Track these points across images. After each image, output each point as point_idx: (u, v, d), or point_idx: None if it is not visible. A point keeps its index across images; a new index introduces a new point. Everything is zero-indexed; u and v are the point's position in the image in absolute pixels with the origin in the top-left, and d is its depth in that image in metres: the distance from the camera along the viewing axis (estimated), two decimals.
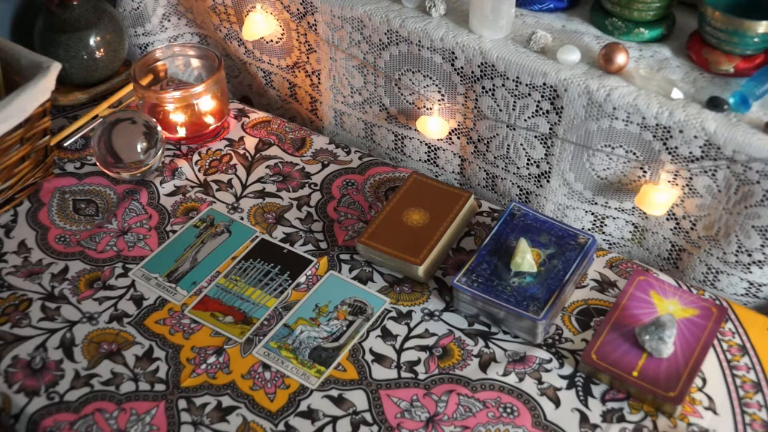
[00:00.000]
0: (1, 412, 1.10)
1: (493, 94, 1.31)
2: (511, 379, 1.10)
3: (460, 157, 1.45)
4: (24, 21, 1.61)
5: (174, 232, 1.32)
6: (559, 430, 1.04)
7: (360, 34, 1.40)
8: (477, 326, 1.17)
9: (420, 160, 1.50)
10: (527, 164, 1.35)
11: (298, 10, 1.46)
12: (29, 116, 1.27)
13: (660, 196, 1.21)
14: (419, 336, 1.16)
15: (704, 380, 1.09)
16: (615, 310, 1.15)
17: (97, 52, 1.53)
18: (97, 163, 1.39)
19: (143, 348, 1.15)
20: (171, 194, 1.39)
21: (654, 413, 1.06)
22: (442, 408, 1.07)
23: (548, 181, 1.33)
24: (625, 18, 1.27)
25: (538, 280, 1.16)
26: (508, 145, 1.35)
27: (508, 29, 1.31)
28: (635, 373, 1.07)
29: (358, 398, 1.09)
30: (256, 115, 1.54)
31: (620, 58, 1.21)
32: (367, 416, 1.07)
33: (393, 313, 1.19)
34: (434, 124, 1.39)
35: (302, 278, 1.24)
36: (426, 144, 1.47)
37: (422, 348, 1.14)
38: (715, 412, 1.06)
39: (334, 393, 1.09)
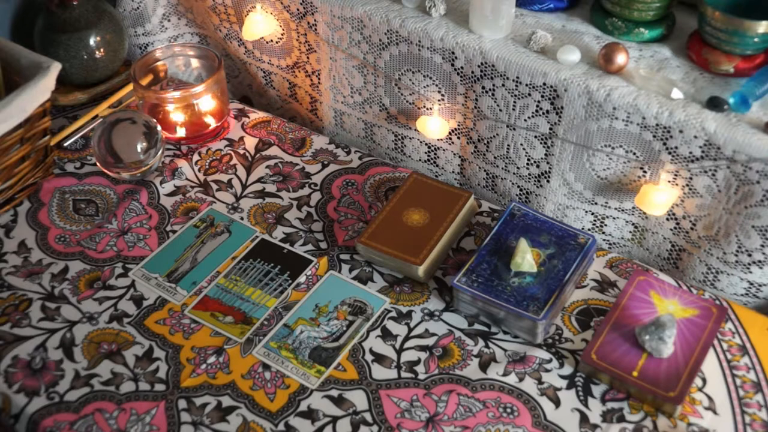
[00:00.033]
0: (1, 412, 1.10)
1: (493, 94, 1.31)
2: (511, 379, 1.10)
3: (460, 157, 1.45)
4: (24, 21, 1.61)
5: (174, 232, 1.32)
6: (559, 430, 1.04)
7: (360, 34, 1.40)
8: (477, 326, 1.17)
9: (420, 160, 1.50)
10: (527, 164, 1.35)
11: (298, 10, 1.47)
12: (29, 116, 1.27)
13: (660, 196, 1.21)
14: (419, 336, 1.16)
15: (704, 380, 1.09)
16: (615, 310, 1.15)
17: (97, 52, 1.53)
18: (97, 163, 1.39)
19: (143, 348, 1.15)
20: (171, 194, 1.39)
21: (654, 413, 1.06)
22: (442, 408, 1.07)
23: (548, 181, 1.33)
24: (625, 18, 1.27)
25: (538, 280, 1.16)
26: (508, 145, 1.35)
27: (508, 29, 1.31)
28: (635, 373, 1.07)
29: (358, 398, 1.09)
30: (256, 115, 1.54)
31: (620, 58, 1.21)
32: (367, 416, 1.07)
33: (393, 313, 1.19)
34: (434, 124, 1.39)
35: (302, 278, 1.24)
36: (426, 144, 1.47)
37: (422, 348, 1.14)
38: (715, 412, 1.06)
39: (334, 393, 1.09)
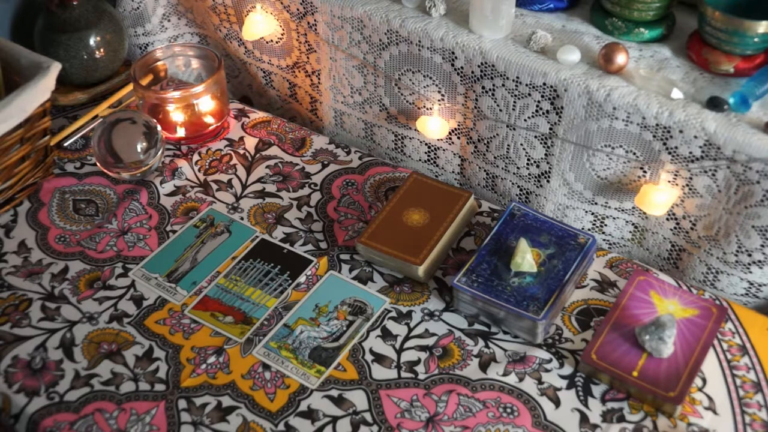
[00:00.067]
0: (1, 412, 1.10)
1: (493, 94, 1.31)
2: (511, 379, 1.10)
3: (460, 157, 1.45)
4: (24, 21, 1.61)
5: (174, 232, 1.32)
6: (559, 430, 1.04)
7: (360, 34, 1.40)
8: (477, 326, 1.17)
9: (420, 160, 1.50)
10: (527, 164, 1.35)
11: (298, 10, 1.46)
12: (29, 116, 1.27)
13: (660, 196, 1.21)
14: (419, 336, 1.16)
15: (704, 380, 1.09)
16: (615, 310, 1.15)
17: (97, 52, 1.53)
18: (97, 163, 1.39)
19: (143, 348, 1.15)
20: (171, 194, 1.39)
21: (654, 413, 1.06)
22: (442, 408, 1.07)
23: (548, 181, 1.33)
24: (625, 18, 1.27)
25: (538, 280, 1.16)
26: (508, 145, 1.35)
27: (508, 29, 1.31)
28: (635, 373, 1.07)
29: (358, 398, 1.09)
30: (256, 115, 1.54)
31: (620, 58, 1.21)
32: (367, 416, 1.07)
33: (393, 313, 1.19)
34: (434, 124, 1.39)
35: (302, 278, 1.24)
36: (426, 144, 1.47)
37: (422, 348, 1.14)
38: (715, 412, 1.06)
39: (334, 393, 1.09)
